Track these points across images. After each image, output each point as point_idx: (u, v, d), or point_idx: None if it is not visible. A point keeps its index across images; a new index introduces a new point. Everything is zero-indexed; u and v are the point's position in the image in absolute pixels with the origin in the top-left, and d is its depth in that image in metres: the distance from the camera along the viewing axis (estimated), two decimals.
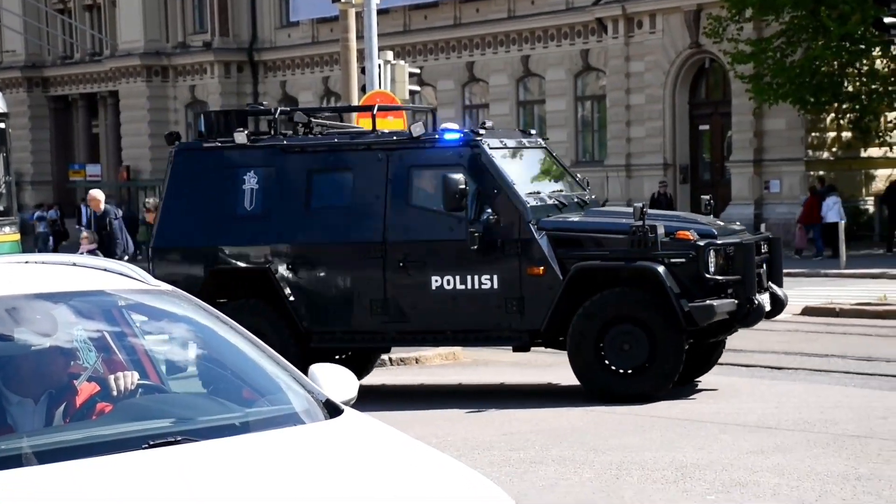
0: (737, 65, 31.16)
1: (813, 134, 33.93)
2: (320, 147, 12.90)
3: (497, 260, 12.31)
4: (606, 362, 12.17)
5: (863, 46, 29.44)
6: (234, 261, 12.92)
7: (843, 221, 27.34)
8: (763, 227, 28.46)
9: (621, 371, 12.18)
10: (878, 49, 29.60)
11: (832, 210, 29.22)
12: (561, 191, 13.13)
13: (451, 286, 12.37)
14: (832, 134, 34.04)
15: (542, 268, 12.25)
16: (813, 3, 29.56)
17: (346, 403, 5.02)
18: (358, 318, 12.65)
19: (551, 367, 14.71)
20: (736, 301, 12.18)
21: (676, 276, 12.01)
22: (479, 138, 12.59)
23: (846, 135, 33.55)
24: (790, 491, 8.40)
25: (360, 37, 21.86)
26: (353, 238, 12.58)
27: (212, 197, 12.89)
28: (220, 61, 48.43)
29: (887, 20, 19.91)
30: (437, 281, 12.38)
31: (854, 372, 13.70)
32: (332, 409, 4.90)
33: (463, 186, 12.08)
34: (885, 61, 30.30)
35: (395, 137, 12.99)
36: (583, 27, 39.19)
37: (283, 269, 12.74)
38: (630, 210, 12.79)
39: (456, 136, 12.67)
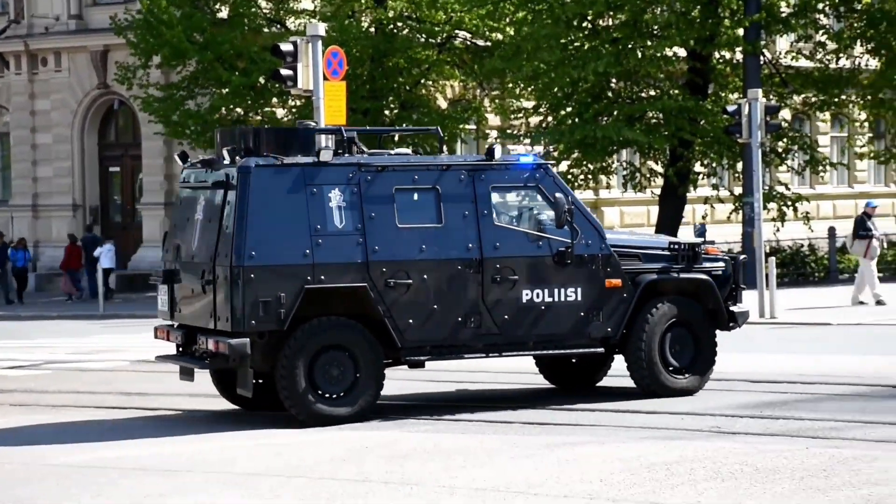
0: (148, 112, 31.35)
1: None
2: (402, 166, 13.40)
3: (580, 273, 13.64)
4: (666, 362, 13.94)
5: (266, 97, 30.68)
6: (329, 278, 12.89)
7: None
8: None
9: (670, 369, 13.98)
10: (277, 99, 30.86)
11: (106, 256, 31.57)
12: None
13: (539, 299, 13.49)
14: None
15: (619, 280, 13.78)
16: (213, 58, 30.24)
17: None
18: (451, 332, 13.27)
19: None
20: None
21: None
22: (547, 162, 14.18)
23: None
24: None
25: None
26: (451, 255, 13.25)
27: (298, 214, 12.86)
28: None
29: (284, 72, 20.79)
30: (527, 294, 13.43)
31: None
32: None
33: (568, 207, 13.35)
34: (285, 110, 31.60)
35: (467, 160, 13.95)
36: None
37: (380, 286, 13.01)
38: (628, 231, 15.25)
39: (530, 158, 13.97)
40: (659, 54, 29.41)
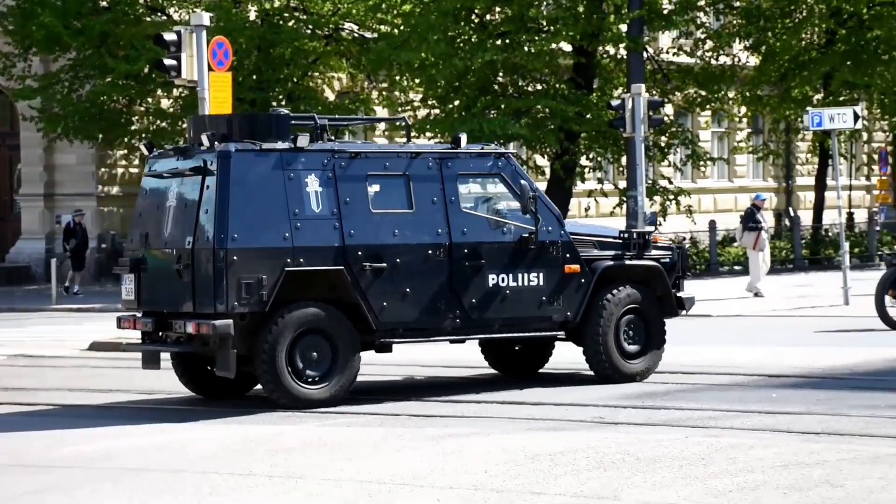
0: (23, 100, 30.81)
1: (103, 169, 34.25)
2: (374, 153, 13.78)
3: (542, 259, 14.00)
4: (621, 347, 14.30)
5: (151, 86, 30.30)
6: (308, 261, 13.07)
7: None
8: (53, 262, 28.60)
9: (625, 354, 14.33)
10: (162, 89, 30.51)
11: None
12: None
13: (504, 283, 13.86)
14: (122, 170, 34.58)
15: (577, 266, 14.15)
16: (99, 41, 29.87)
17: None
18: (422, 315, 13.58)
19: None
20: None
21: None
22: (508, 151, 14.47)
23: (136, 171, 34.22)
24: None
25: None
26: (423, 240, 13.57)
27: (277, 198, 13.05)
28: None
29: (167, 61, 20.56)
30: (493, 279, 13.80)
31: (134, 406, 14.02)
32: None
33: (533, 193, 13.75)
34: (170, 101, 31.26)
35: (434, 148, 14.43)
36: None
37: (356, 269, 13.24)
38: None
39: (492, 147, 14.42)
40: (545, 49, 29.64)
